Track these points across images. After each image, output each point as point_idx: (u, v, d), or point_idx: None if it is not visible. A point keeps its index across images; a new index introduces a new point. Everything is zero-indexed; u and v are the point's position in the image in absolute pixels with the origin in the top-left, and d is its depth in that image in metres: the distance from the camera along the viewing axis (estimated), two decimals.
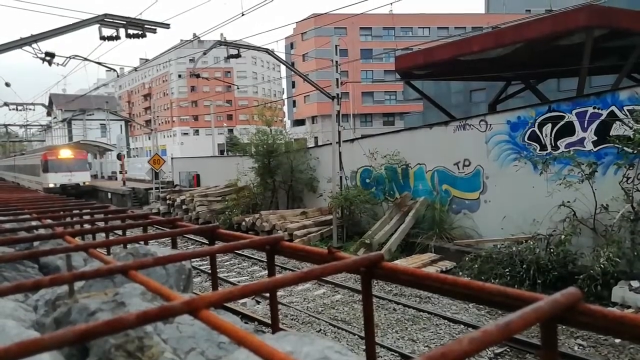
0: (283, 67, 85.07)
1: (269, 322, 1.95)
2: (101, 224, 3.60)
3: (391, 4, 26.80)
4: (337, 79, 16.79)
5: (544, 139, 12.58)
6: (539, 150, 12.64)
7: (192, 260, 2.62)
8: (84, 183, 33.72)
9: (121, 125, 55.43)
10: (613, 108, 11.32)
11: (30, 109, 43.02)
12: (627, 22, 12.91)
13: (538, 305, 1.11)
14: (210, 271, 2.53)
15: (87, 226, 3.58)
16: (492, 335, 0.92)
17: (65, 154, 34.27)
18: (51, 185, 31.70)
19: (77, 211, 4.37)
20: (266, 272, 1.96)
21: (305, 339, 1.32)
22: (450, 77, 22.24)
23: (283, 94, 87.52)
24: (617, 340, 7.82)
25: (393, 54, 26.20)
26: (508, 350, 7.58)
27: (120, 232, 3.29)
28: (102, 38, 14.46)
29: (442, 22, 62.76)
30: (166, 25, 15.32)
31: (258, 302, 10.34)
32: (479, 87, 27.17)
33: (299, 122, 66.11)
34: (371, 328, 1.52)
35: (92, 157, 45.68)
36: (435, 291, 1.51)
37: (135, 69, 29.45)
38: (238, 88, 45.64)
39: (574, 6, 14.17)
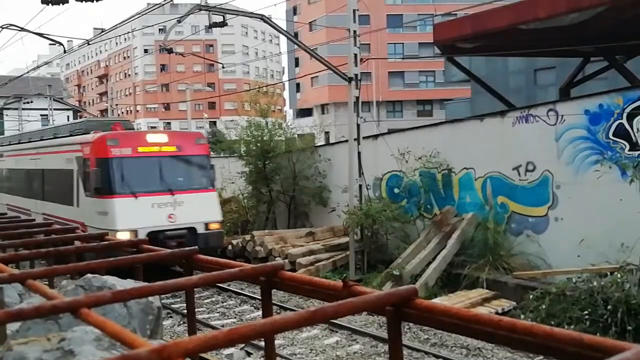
0: (283, 39, 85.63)
1: None
2: (43, 248, 3.65)
3: None
4: (355, 55, 16.83)
5: (635, 135, 12.49)
6: (629, 150, 12.55)
7: (163, 295, 2.62)
8: (207, 227, 16.38)
9: (68, 116, 56.01)
10: None
11: None
12: None
13: (624, 358, 1.11)
14: (185, 310, 2.54)
15: (23, 250, 3.62)
16: None
17: (159, 139, 16.97)
18: (124, 233, 14.47)
19: (10, 230, 4.43)
20: (260, 312, 1.97)
21: None
22: (508, 53, 22.16)
23: (283, 74, 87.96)
24: None
25: (430, 22, 26.25)
26: None
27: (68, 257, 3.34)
28: (45, 2, 14.68)
29: None
30: None
31: (249, 354, 10.35)
32: (546, 66, 27.05)
33: (305, 112, 66.33)
34: None
35: None
36: (486, 339, 1.52)
37: (88, 42, 29.60)
38: (223, 67, 45.77)
39: None
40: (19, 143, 24.49)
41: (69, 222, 13.10)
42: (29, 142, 22.72)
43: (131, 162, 15.68)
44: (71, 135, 18.61)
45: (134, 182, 15.52)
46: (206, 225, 15.96)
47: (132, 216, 14.80)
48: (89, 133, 17.29)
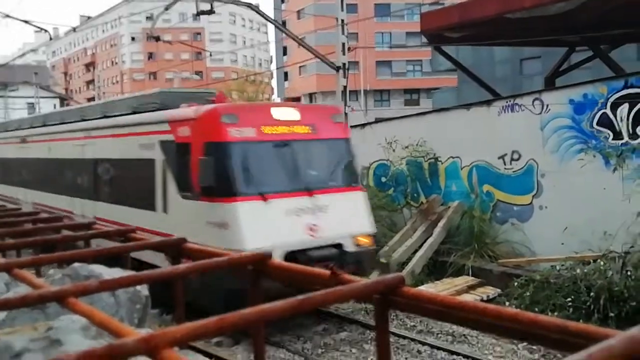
0: (271, 28, 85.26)
1: None
2: (29, 237, 3.62)
3: None
4: (343, 44, 16.79)
5: (619, 125, 12.58)
6: (613, 139, 12.64)
7: (151, 284, 2.63)
8: (356, 241, 11.06)
9: (55, 105, 55.49)
10: None
11: None
12: None
13: (609, 345, 1.12)
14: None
15: (9, 239, 3.59)
16: None
17: (289, 115, 11.70)
18: (251, 246, 9.03)
19: None
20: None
21: None
22: (494, 42, 22.20)
23: (271, 63, 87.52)
24: None
25: (418, 11, 26.19)
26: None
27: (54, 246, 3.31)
28: None
29: None
30: None
31: (237, 342, 10.35)
32: (532, 55, 27.13)
33: (293, 101, 66.16)
34: (385, 354, 1.54)
35: None
36: (472, 326, 1.53)
37: (74, 30, 29.36)
38: (211, 55, 45.66)
39: None
40: (49, 125, 18.79)
41: (152, 234, 9.41)
42: (65, 123, 17.32)
43: (257, 148, 10.64)
44: (145, 112, 13.12)
45: (262, 178, 10.56)
46: (354, 239, 10.70)
47: (262, 228, 9.76)
48: (167, 108, 12.23)
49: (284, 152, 10.90)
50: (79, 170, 15.32)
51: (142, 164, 12.09)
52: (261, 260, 2.08)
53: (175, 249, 2.55)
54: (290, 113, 11.50)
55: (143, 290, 2.53)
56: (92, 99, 55.52)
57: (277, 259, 5.04)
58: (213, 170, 9.96)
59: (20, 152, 20.12)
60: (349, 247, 10.53)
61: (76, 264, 2.58)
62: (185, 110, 11.51)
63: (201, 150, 10.32)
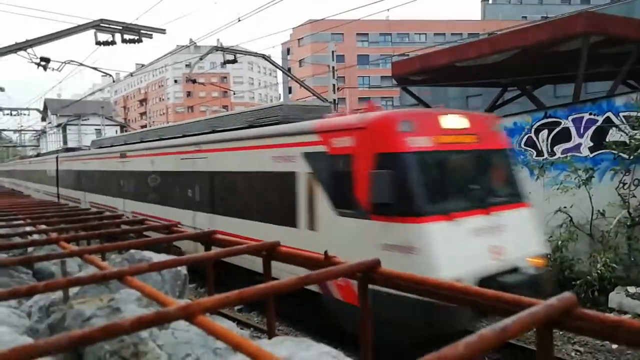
0: (279, 73, 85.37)
1: (266, 328, 1.96)
2: (96, 230, 3.59)
3: (388, 10, 27.00)
4: (333, 85, 16.85)
5: (540, 145, 12.64)
6: (536, 156, 12.69)
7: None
8: (532, 262, 7.33)
9: (116, 131, 55.34)
10: (609, 114, 11.41)
11: (24, 114, 42.88)
12: (622, 30, 13.05)
13: (534, 310, 1.12)
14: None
15: (81, 232, 3.57)
16: (488, 340, 0.93)
17: (458, 124, 7.78)
18: (445, 273, 6.06)
19: (72, 217, 4.36)
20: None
21: (301, 345, 1.33)
22: (447, 84, 22.31)
23: (280, 99, 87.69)
24: (614, 346, 7.82)
25: (390, 60, 26.30)
26: (503, 357, 7.57)
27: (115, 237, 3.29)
28: (98, 43, 14.47)
29: (438, 28, 63.08)
30: (162, 31, 15.36)
31: (253, 309, 10.28)
32: (475, 93, 27.26)
33: None
34: (366, 336, 1.52)
35: None
36: (433, 296, 1.52)
37: (131, 74, 29.27)
38: (234, 93, 45.68)
39: (570, 13, 14.29)
40: (149, 141, 15.01)
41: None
42: (167, 139, 13.81)
43: (437, 159, 7.51)
44: (265, 125, 9.95)
45: (445, 194, 7.51)
46: (530, 260, 7.41)
47: (453, 252, 6.62)
48: (290, 121, 9.28)
49: (462, 163, 7.92)
50: (189, 183, 11.98)
51: (277, 177, 8.94)
52: (271, 247, 2.08)
53: (207, 239, 2.54)
54: (459, 121, 7.86)
55: (183, 269, 2.51)
56: (144, 126, 55.48)
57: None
58: (391, 185, 6.72)
59: (120, 165, 16.41)
60: (527, 269, 7.15)
61: (132, 251, 2.56)
62: (346, 119, 8.21)
63: (372, 162, 7.11)
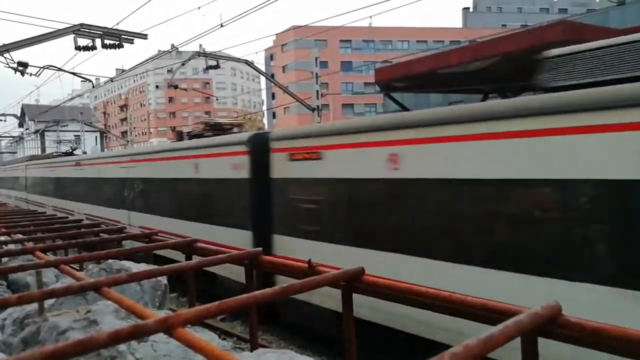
0: (263, 79, 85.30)
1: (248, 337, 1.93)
2: (74, 239, 3.51)
3: (371, 17, 27.22)
4: (317, 91, 16.89)
5: None
6: None
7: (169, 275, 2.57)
8: None
9: (96, 137, 54.57)
10: None
11: (1, 120, 41.98)
12: (598, 37, 13.40)
13: (518, 319, 1.12)
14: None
15: (58, 241, 3.48)
16: (474, 350, 0.92)
17: None
18: None
19: (48, 226, 4.26)
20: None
21: (284, 357, 1.30)
22: (429, 90, 22.52)
23: (263, 105, 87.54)
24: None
25: (373, 67, 26.49)
26: None
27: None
28: (78, 48, 14.28)
29: (421, 36, 63.86)
30: (143, 36, 15.22)
31: (236, 318, 10.15)
32: (457, 100, 27.61)
33: None
34: (352, 347, 1.51)
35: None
36: (417, 305, 1.51)
37: (112, 80, 28.94)
38: (217, 99, 45.36)
39: (549, 22, 14.60)
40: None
41: None
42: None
43: None
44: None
45: None
46: None
47: None
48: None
49: None
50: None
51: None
52: (254, 255, 2.05)
53: (187, 248, 2.49)
54: None
55: (163, 280, 2.46)
56: (124, 132, 54.70)
57: None
58: None
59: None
60: None
61: (110, 260, 2.51)
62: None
63: None
